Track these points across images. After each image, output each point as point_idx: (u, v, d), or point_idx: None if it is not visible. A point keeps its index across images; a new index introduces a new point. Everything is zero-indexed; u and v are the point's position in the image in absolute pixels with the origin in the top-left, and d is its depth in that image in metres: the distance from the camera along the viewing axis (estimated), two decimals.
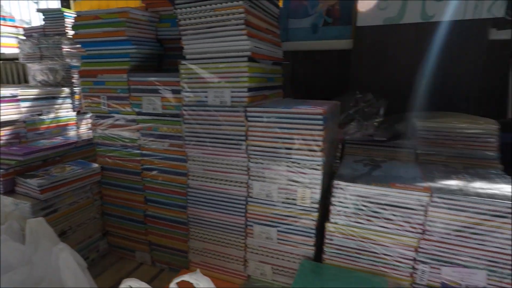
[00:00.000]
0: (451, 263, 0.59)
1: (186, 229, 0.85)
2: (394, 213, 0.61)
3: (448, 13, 0.91)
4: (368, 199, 0.62)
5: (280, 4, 1.17)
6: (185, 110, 0.74)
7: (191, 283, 0.52)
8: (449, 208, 0.57)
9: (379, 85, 1.03)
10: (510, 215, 0.54)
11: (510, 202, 0.53)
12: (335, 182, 0.64)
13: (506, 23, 0.93)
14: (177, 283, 0.54)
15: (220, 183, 0.76)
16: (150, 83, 0.80)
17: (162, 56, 0.94)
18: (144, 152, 0.88)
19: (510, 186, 0.60)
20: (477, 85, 0.92)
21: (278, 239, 0.73)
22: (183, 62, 0.72)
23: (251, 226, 0.75)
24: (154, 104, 0.81)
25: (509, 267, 0.56)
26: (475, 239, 0.57)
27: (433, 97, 0.94)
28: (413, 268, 0.62)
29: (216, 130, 0.72)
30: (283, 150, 0.67)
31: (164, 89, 0.78)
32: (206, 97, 0.72)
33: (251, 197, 0.73)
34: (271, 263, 0.75)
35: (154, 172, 0.87)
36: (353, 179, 0.64)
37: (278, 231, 0.72)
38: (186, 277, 0.51)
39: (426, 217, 0.59)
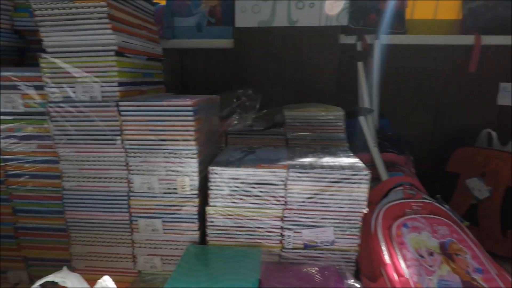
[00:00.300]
0: (308, 225, 0.71)
1: (66, 235, 0.79)
2: (262, 189, 0.70)
3: (308, 19, 1.07)
4: (239, 180, 0.70)
5: (164, 2, 1.19)
6: (51, 107, 0.69)
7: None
8: (301, 180, 0.69)
9: (259, 81, 1.14)
10: (344, 181, 0.68)
11: (343, 170, 0.68)
12: (210, 168, 0.70)
13: (352, 30, 1.15)
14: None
15: (99, 181, 0.73)
16: (6, 78, 0.71)
17: (23, 49, 0.85)
18: (7, 157, 0.78)
19: (348, 159, 0.76)
20: (332, 80, 1.11)
21: (164, 229, 0.75)
22: (44, 55, 0.67)
23: (136, 220, 0.75)
24: (13, 102, 0.73)
25: (348, 222, 0.70)
26: (322, 203, 0.70)
27: (299, 91, 1.10)
28: (281, 235, 0.72)
29: (88, 127, 0.70)
30: (159, 142, 0.69)
31: (24, 85, 0.71)
32: (74, 92, 0.69)
33: (132, 191, 0.73)
34: (160, 254, 0.77)
35: (23, 178, 0.79)
36: (226, 164, 0.71)
37: (163, 221, 0.74)
38: (50, 277, 0.49)
39: (286, 190, 0.70)
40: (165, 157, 0.70)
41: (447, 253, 0.68)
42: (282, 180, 0.69)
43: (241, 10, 1.10)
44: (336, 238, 0.71)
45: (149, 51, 0.83)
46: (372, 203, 0.81)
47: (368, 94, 1.08)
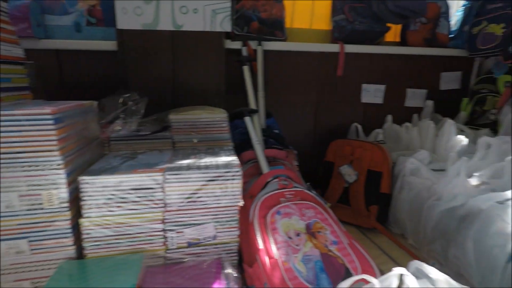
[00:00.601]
0: (189, 224, 0.74)
1: None
2: (139, 195, 0.70)
3: (193, 24, 1.10)
4: (114, 188, 0.69)
5: None
6: None
7: None
8: (178, 182, 0.71)
9: (146, 85, 1.13)
10: (218, 178, 0.73)
11: (217, 169, 0.73)
12: (80, 178, 0.67)
13: (237, 36, 1.22)
14: None
15: None
16: None
17: None
18: None
19: (226, 158, 0.82)
20: (220, 83, 1.17)
21: (32, 249, 0.68)
22: None
23: None
24: None
25: (226, 216, 0.76)
26: (201, 201, 0.74)
27: (188, 94, 1.12)
28: (164, 237, 0.74)
29: None
30: (14, 154, 0.63)
31: None
32: None
33: None
34: (30, 277, 0.70)
35: None
36: (99, 173, 0.69)
37: (30, 241, 0.68)
38: None
39: (164, 193, 0.71)
40: (24, 170, 0.64)
41: (311, 232, 0.79)
42: (159, 184, 0.70)
43: (122, 12, 1.06)
44: (217, 232, 0.76)
45: (3, 54, 0.74)
46: (253, 195, 0.88)
47: (253, 96, 1.17)
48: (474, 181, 0.96)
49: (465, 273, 0.85)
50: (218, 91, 1.17)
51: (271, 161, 1.05)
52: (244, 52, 1.21)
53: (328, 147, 1.32)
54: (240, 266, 0.81)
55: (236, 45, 1.21)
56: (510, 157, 0.91)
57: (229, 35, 1.20)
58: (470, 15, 1.46)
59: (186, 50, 1.12)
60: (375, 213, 1.17)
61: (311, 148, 1.43)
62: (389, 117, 1.45)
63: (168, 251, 0.74)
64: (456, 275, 0.89)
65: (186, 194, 0.72)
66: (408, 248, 1.07)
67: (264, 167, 0.98)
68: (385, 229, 1.16)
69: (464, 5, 1.53)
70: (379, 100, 1.47)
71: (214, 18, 1.11)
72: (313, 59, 1.36)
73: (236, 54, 1.20)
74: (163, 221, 0.72)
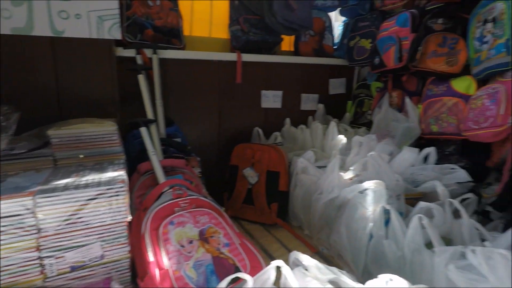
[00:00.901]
0: (71, 247, 0.70)
1: None
2: (3, 223, 0.63)
3: (76, 31, 1.03)
4: None
5: None
6: None
7: None
8: (52, 204, 0.67)
9: (23, 96, 1.01)
10: (101, 196, 0.71)
11: (98, 187, 0.70)
12: None
13: (130, 43, 1.19)
14: None
15: None
16: None
17: None
18: None
19: (112, 173, 0.79)
20: (112, 93, 1.12)
21: None
22: None
23: None
24: None
25: (113, 233, 0.74)
26: (82, 221, 0.70)
27: (75, 105, 1.05)
28: (41, 265, 0.68)
29: None
30: None
31: None
32: None
33: None
34: None
35: None
36: None
37: None
38: None
39: (36, 218, 0.66)
40: None
41: (204, 237, 0.83)
42: (28, 209, 0.65)
43: None
44: (105, 251, 0.74)
45: None
46: (147, 208, 0.88)
47: (150, 105, 1.15)
48: (348, 175, 1.14)
49: (343, 254, 1.00)
50: (112, 100, 1.12)
51: (169, 170, 1.05)
52: (139, 60, 1.18)
53: (232, 151, 1.38)
54: (134, 281, 0.80)
55: (130, 53, 1.17)
56: (372, 153, 1.10)
57: (121, 43, 1.15)
58: (347, 30, 1.69)
59: (71, 58, 1.04)
60: (276, 210, 1.28)
61: (217, 153, 1.48)
62: (287, 120, 1.59)
63: (47, 280, 0.69)
64: (337, 257, 1.04)
65: (64, 216, 0.68)
66: (304, 239, 1.20)
67: (160, 177, 0.97)
68: (285, 223, 1.27)
69: (343, 21, 1.76)
70: (278, 104, 1.60)
71: (100, 25, 1.06)
72: (213, 67, 1.40)
73: (130, 62, 1.17)
74: (37, 248, 0.67)
